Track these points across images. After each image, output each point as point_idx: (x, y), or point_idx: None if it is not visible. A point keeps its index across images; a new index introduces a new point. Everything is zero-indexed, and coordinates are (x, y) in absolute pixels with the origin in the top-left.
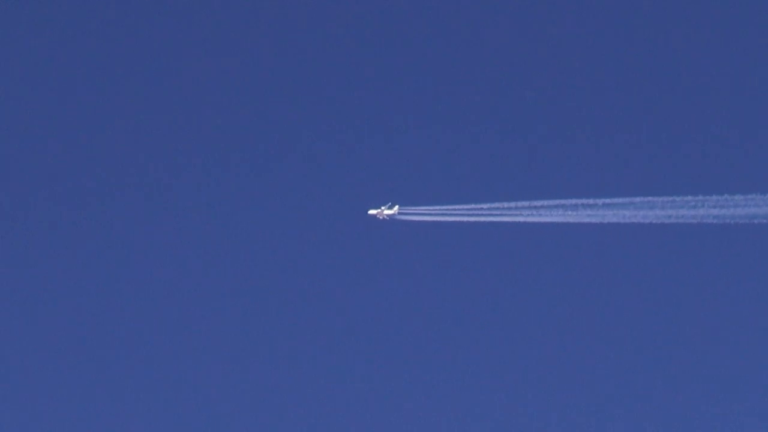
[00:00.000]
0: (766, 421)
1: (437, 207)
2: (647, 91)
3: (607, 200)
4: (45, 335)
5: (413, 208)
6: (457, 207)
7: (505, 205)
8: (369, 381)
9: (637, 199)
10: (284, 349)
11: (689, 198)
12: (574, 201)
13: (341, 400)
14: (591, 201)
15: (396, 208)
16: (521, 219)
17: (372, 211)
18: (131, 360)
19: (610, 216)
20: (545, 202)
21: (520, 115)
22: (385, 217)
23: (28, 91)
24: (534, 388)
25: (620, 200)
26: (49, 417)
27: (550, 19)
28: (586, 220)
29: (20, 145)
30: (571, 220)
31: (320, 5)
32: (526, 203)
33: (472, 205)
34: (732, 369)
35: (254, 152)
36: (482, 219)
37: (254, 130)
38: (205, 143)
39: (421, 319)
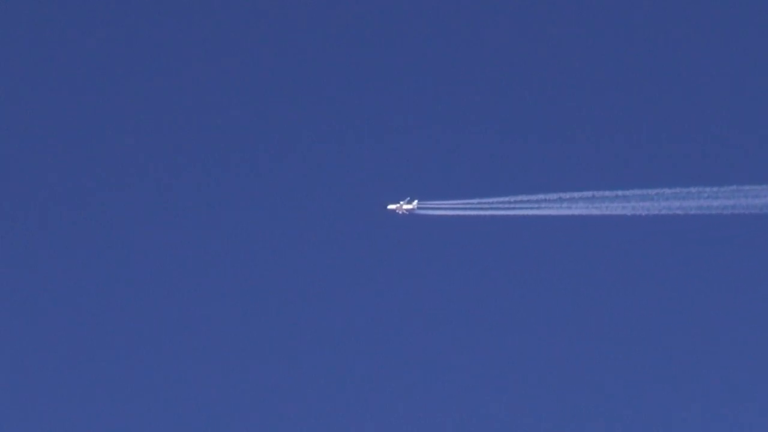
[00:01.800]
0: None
1: (457, 201)
2: (655, 85)
3: (628, 192)
4: (44, 335)
5: (433, 202)
6: (477, 201)
7: (528, 197)
8: (389, 377)
9: (672, 190)
10: (304, 346)
11: (711, 189)
12: (601, 193)
13: (361, 398)
14: (619, 193)
15: (415, 202)
16: (545, 212)
17: (391, 206)
18: (131, 360)
19: (629, 208)
20: (571, 194)
21: (543, 105)
22: (405, 212)
23: (27, 91)
24: (561, 388)
25: (650, 191)
26: (48, 417)
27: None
28: (616, 212)
29: (19, 145)
30: (598, 212)
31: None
32: (549, 196)
33: (493, 199)
34: (737, 368)
35: (272, 147)
36: (503, 212)
37: (271, 125)
38: (220, 140)
39: (442, 314)
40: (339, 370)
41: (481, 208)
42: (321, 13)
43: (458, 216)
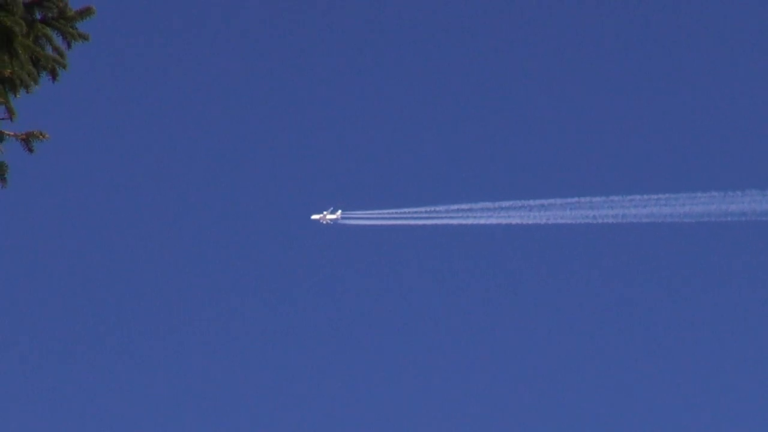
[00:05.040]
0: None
1: (380, 211)
2: (617, 90)
3: (559, 201)
4: (43, 335)
5: (357, 212)
6: (400, 211)
7: (453, 207)
8: (312, 394)
9: (572, 200)
10: (226, 360)
11: (670, 195)
12: (531, 202)
13: (271, 409)
14: (556, 201)
15: (339, 212)
16: (464, 222)
17: (315, 216)
18: (112, 366)
19: (561, 217)
20: (493, 204)
21: (467, 115)
22: (329, 222)
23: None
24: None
25: (562, 201)
26: (47, 417)
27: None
28: (545, 220)
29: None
30: (527, 221)
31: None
32: (469, 205)
33: (418, 208)
34: (734, 371)
35: (194, 155)
36: (428, 222)
37: (196, 133)
38: (145, 148)
39: (365, 325)
40: (258, 380)
41: (405, 218)
42: (254, 28)
43: (382, 225)
